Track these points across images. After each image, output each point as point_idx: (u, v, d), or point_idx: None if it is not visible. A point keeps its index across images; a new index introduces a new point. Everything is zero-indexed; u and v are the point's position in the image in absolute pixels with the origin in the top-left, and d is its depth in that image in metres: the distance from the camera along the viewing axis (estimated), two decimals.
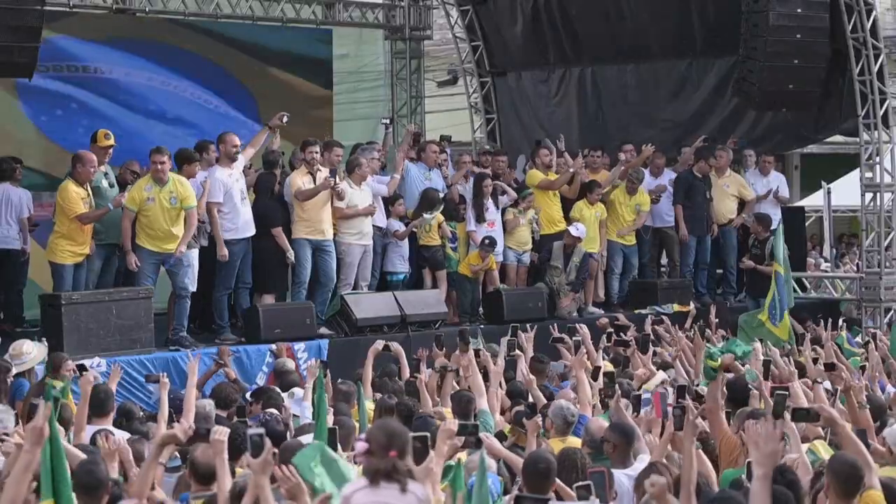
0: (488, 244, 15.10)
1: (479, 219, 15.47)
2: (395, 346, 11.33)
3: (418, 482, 5.90)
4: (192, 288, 13.18)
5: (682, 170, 17.49)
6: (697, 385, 10.32)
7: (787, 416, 7.57)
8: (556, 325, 12.77)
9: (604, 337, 12.20)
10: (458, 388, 10.11)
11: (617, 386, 9.68)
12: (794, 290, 17.22)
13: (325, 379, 11.17)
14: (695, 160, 17.26)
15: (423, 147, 16.13)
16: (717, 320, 14.28)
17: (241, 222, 13.46)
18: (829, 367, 10.34)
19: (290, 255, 13.72)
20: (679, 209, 16.99)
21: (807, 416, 7.53)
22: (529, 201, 15.83)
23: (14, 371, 10.76)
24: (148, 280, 12.85)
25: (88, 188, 12.75)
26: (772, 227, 16.44)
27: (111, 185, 13.29)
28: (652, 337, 12.68)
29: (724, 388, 8.66)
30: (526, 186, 16.20)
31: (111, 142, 13.25)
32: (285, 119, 14.11)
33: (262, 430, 6.05)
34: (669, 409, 8.10)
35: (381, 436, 5.88)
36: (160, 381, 9.45)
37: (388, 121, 17.63)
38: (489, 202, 15.61)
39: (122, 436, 7.94)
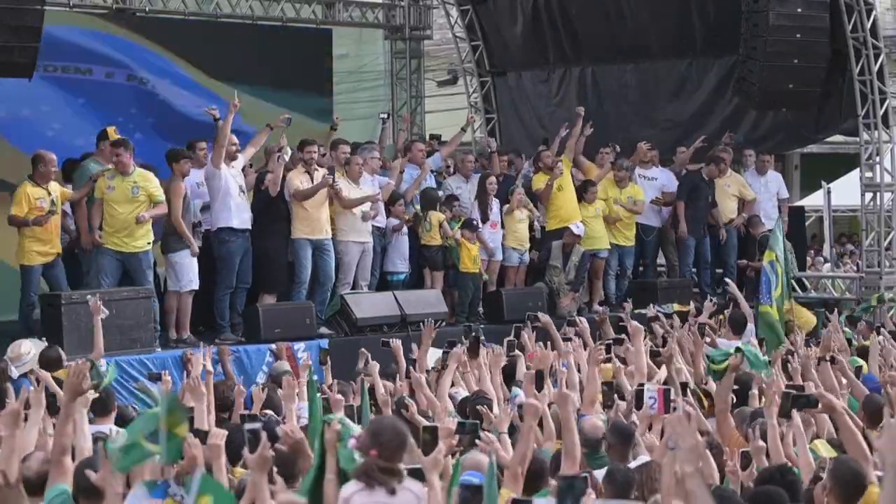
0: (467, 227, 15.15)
1: (484, 218, 15.48)
2: (395, 343, 11.31)
3: (418, 478, 5.90)
4: (194, 286, 13.17)
5: (678, 169, 17.52)
6: (706, 383, 10.32)
7: (796, 415, 7.57)
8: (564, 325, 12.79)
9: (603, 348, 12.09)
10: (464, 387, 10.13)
11: (616, 395, 9.66)
12: (794, 290, 17.23)
13: (325, 365, 11.22)
14: (693, 160, 17.27)
15: (409, 146, 16.13)
16: (720, 318, 14.34)
17: (239, 217, 13.45)
18: (832, 361, 10.35)
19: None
20: (682, 206, 16.98)
21: (807, 403, 7.53)
22: (519, 194, 15.80)
23: (16, 374, 10.74)
24: (105, 280, 12.72)
25: (49, 189, 12.63)
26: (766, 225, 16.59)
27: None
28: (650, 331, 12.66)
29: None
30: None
31: (120, 137, 13.20)
32: (287, 119, 14.10)
33: (258, 425, 6.04)
34: (673, 404, 8.10)
35: (366, 435, 5.88)
36: (162, 379, 9.44)
37: (385, 115, 17.57)
38: (493, 202, 15.62)
39: (114, 431, 7.92)
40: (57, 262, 12.80)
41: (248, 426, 6.04)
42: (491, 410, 8.72)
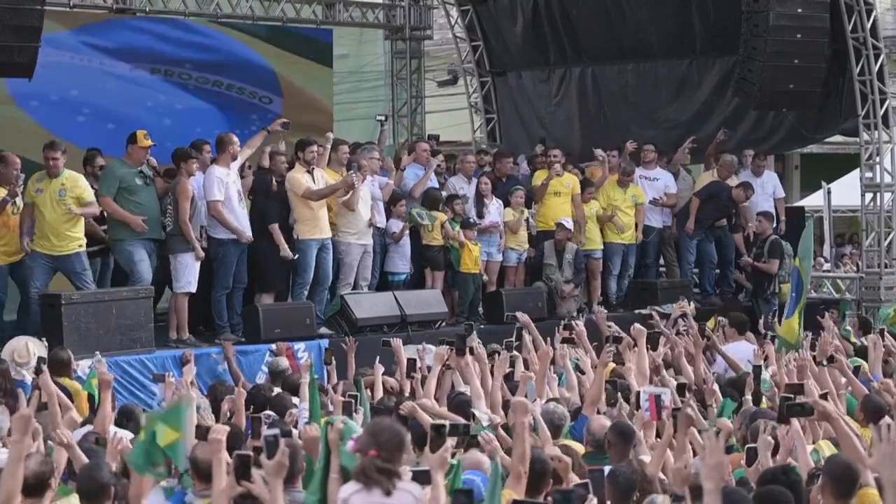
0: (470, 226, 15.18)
1: (480, 217, 15.49)
2: (395, 342, 11.31)
3: (425, 480, 5.90)
4: (192, 289, 13.18)
5: (675, 169, 17.53)
6: (706, 384, 10.33)
7: (795, 422, 7.57)
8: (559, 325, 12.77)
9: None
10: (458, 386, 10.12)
11: (619, 394, 9.66)
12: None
13: (330, 366, 11.21)
14: (694, 159, 17.29)
15: (413, 147, 16.15)
16: (722, 319, 14.37)
17: (237, 221, 13.42)
18: (830, 360, 10.35)
19: (286, 252, 13.69)
20: (696, 202, 16.97)
21: (801, 411, 7.51)
22: (518, 196, 15.86)
23: (28, 378, 10.69)
24: (34, 285, 12.54)
25: (16, 189, 12.58)
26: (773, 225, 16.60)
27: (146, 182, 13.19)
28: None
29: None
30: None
31: (150, 143, 13.11)
32: (284, 123, 14.05)
33: (276, 431, 6.06)
34: (665, 411, 8.10)
35: (366, 435, 5.89)
36: (165, 380, 9.44)
37: (383, 118, 17.50)
38: (490, 202, 15.63)
39: (123, 434, 7.92)
40: (23, 263, 12.78)
41: (267, 432, 6.07)
42: (471, 406, 8.71)
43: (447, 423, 6.60)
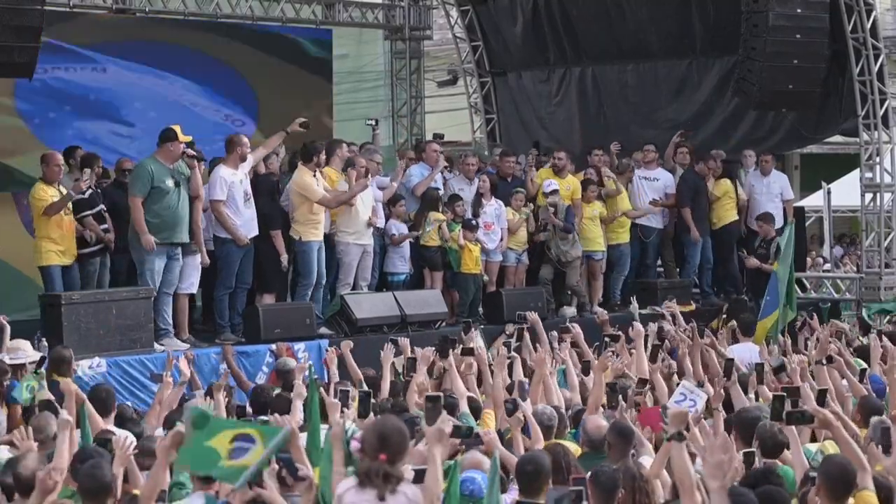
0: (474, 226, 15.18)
1: (475, 216, 15.50)
2: (403, 341, 11.33)
3: (416, 480, 5.91)
4: (194, 290, 13.18)
5: (671, 167, 17.53)
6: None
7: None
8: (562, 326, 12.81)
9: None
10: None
11: (620, 396, 9.66)
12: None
13: (332, 369, 11.26)
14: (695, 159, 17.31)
15: (424, 147, 16.16)
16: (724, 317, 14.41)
17: (241, 223, 13.38)
18: (829, 360, 10.36)
19: (285, 258, 13.69)
20: (687, 211, 16.96)
21: (801, 419, 7.49)
22: (519, 198, 15.88)
23: (9, 361, 10.67)
24: None
25: (59, 188, 12.59)
26: (776, 227, 16.58)
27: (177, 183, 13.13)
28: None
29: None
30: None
31: (188, 138, 12.87)
32: (304, 122, 13.96)
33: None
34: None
35: (373, 437, 5.86)
36: (163, 380, 9.45)
37: (373, 122, 17.40)
38: (489, 202, 15.63)
39: (123, 435, 7.92)
40: (73, 268, 12.77)
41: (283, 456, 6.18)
42: (458, 409, 8.72)
43: (441, 395, 6.58)
